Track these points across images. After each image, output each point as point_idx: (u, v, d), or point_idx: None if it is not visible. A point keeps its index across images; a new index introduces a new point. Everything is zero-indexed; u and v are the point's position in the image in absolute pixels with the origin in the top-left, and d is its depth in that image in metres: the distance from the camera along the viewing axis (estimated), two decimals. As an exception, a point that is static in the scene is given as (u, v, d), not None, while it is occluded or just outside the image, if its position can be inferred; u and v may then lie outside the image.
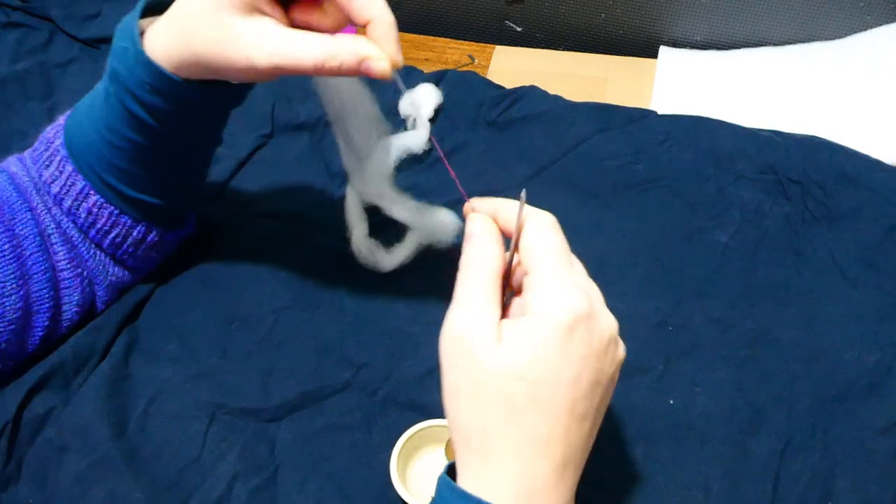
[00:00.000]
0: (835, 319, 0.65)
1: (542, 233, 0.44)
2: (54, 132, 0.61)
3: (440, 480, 0.44)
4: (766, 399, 0.61)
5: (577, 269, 0.45)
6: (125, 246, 0.64)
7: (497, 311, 0.43)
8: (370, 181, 0.62)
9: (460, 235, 0.67)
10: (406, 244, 0.68)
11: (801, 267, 0.69)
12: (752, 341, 0.65)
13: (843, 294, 0.67)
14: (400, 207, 0.64)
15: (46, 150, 0.60)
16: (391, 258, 0.68)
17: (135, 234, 0.63)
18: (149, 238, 0.64)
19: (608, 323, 0.43)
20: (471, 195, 0.76)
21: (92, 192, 0.60)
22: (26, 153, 0.63)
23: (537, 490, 0.41)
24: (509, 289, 0.46)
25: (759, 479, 0.57)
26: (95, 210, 0.60)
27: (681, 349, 0.64)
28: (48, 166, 0.60)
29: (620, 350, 0.45)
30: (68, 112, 0.61)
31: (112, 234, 0.62)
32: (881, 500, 0.56)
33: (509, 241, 0.46)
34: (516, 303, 0.46)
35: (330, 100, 0.58)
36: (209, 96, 0.55)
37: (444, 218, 0.65)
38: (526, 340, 0.40)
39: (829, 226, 0.72)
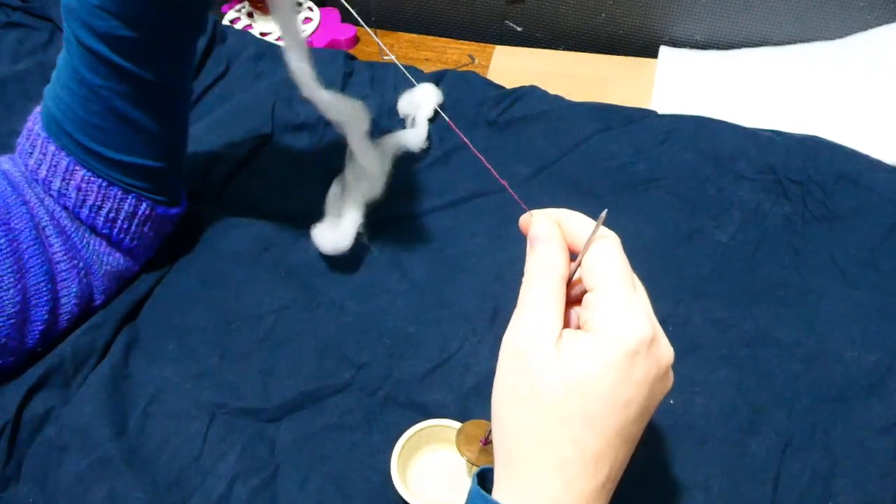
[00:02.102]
0: (835, 319, 0.65)
1: (610, 252, 0.43)
2: (32, 120, 0.62)
3: (473, 492, 0.43)
4: (766, 399, 0.61)
5: (641, 293, 0.44)
6: (119, 222, 0.64)
7: (561, 320, 0.42)
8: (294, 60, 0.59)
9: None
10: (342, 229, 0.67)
11: (800, 267, 0.69)
12: (752, 341, 0.65)
13: (843, 294, 0.67)
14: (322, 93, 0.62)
15: (27, 138, 0.62)
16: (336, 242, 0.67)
17: (126, 206, 0.63)
18: (140, 210, 0.64)
19: (667, 351, 0.43)
20: (471, 195, 0.77)
21: (77, 167, 0.60)
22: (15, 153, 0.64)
23: None
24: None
25: (759, 479, 0.57)
26: (84, 186, 0.61)
27: (681, 349, 0.64)
28: (31, 153, 0.61)
29: (670, 379, 0.44)
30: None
31: (104, 210, 0.63)
32: (881, 500, 0.56)
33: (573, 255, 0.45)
34: (573, 314, 0.45)
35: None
36: (161, 14, 0.55)
37: (354, 104, 0.64)
38: (590, 357, 0.40)
39: (829, 226, 0.72)
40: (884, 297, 0.67)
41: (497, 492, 0.42)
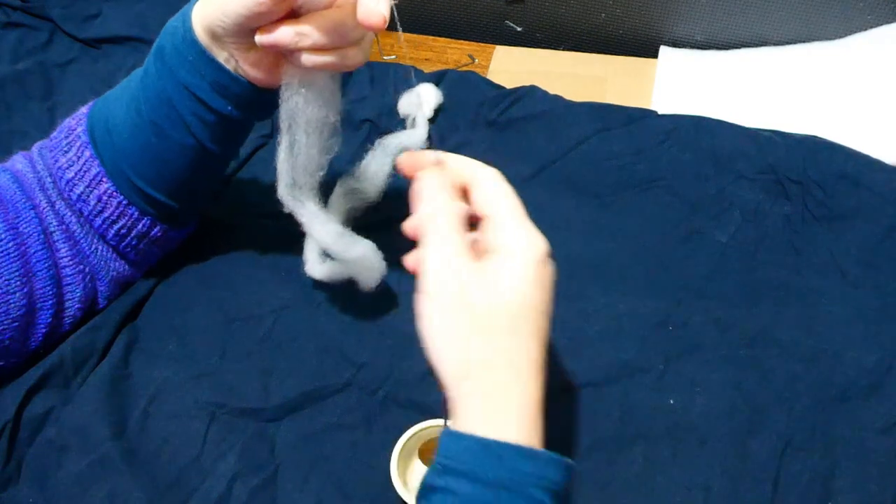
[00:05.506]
0: (835, 319, 0.65)
1: (498, 183, 0.48)
2: (76, 120, 0.62)
3: (443, 436, 0.44)
4: (766, 399, 0.61)
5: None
6: (129, 238, 0.64)
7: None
8: (294, 190, 0.60)
9: (384, 279, 0.64)
10: (337, 265, 0.65)
11: (801, 267, 0.69)
12: (752, 341, 0.65)
13: (843, 294, 0.67)
14: (320, 226, 0.61)
15: (67, 136, 0.62)
16: (319, 269, 0.66)
17: (139, 226, 0.63)
18: (152, 232, 0.65)
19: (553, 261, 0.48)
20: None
21: (105, 179, 0.61)
22: (45, 142, 0.64)
23: (534, 417, 0.44)
24: None
25: (759, 479, 0.57)
26: (105, 198, 0.61)
27: (681, 349, 0.64)
28: (66, 152, 0.61)
29: None
30: (90, 102, 0.63)
31: (118, 225, 0.63)
32: (881, 499, 0.56)
33: None
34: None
35: (292, 93, 0.55)
36: (238, 88, 0.56)
37: (365, 250, 0.62)
38: (516, 275, 0.45)
39: (829, 226, 0.72)
40: (884, 297, 0.66)
41: (459, 425, 0.43)
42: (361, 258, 0.62)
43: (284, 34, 0.50)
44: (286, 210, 0.61)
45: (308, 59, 0.51)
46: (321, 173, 0.60)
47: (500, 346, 0.44)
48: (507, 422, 0.43)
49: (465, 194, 0.49)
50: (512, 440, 0.42)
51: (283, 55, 0.53)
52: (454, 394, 0.44)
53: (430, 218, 0.47)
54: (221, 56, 0.54)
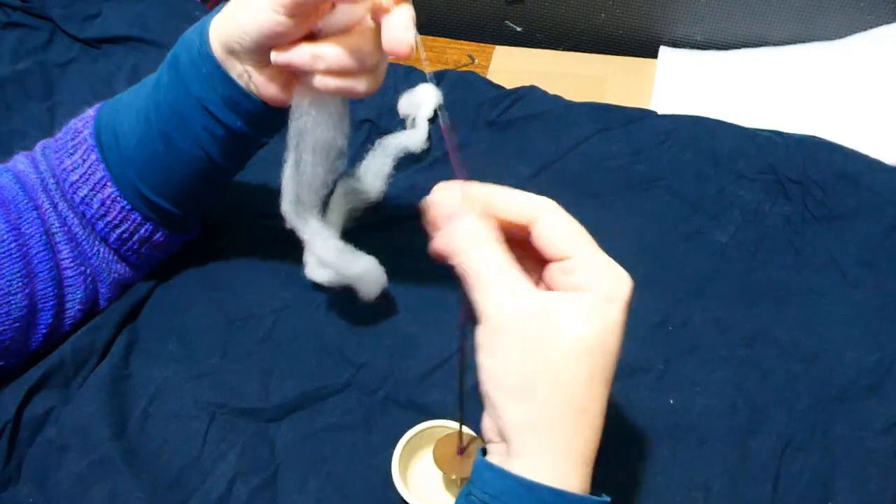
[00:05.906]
0: (835, 319, 0.65)
1: (564, 217, 0.45)
2: (83, 123, 0.62)
3: (479, 465, 0.43)
4: (766, 399, 0.61)
5: None
6: (130, 243, 0.64)
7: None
8: (298, 206, 0.60)
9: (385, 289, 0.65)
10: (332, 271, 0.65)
11: (801, 267, 0.69)
12: (752, 341, 0.65)
13: (843, 294, 0.67)
14: (321, 243, 0.61)
15: (73, 139, 0.61)
16: (319, 273, 0.65)
17: (142, 231, 0.63)
18: (155, 238, 0.64)
19: None
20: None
21: (109, 183, 0.61)
22: (49, 142, 0.64)
23: (587, 463, 0.43)
24: None
25: (759, 479, 0.57)
26: (108, 203, 0.61)
27: (681, 349, 0.64)
28: (72, 154, 0.61)
29: None
30: (97, 105, 0.62)
31: (120, 230, 0.63)
32: (881, 499, 0.56)
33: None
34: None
35: (302, 113, 0.55)
36: (249, 105, 0.56)
37: (367, 266, 0.63)
38: (598, 317, 0.42)
39: (829, 226, 0.72)
40: (884, 297, 0.67)
41: (517, 464, 0.42)
42: (363, 273, 0.63)
43: (301, 55, 0.50)
44: (288, 226, 0.61)
45: (321, 81, 0.51)
46: (325, 191, 0.60)
47: (570, 390, 0.41)
48: (557, 468, 0.41)
49: (503, 229, 0.46)
50: (558, 485, 0.41)
51: (297, 75, 0.53)
52: (506, 425, 0.42)
53: (474, 245, 0.44)
54: (235, 71, 0.54)
